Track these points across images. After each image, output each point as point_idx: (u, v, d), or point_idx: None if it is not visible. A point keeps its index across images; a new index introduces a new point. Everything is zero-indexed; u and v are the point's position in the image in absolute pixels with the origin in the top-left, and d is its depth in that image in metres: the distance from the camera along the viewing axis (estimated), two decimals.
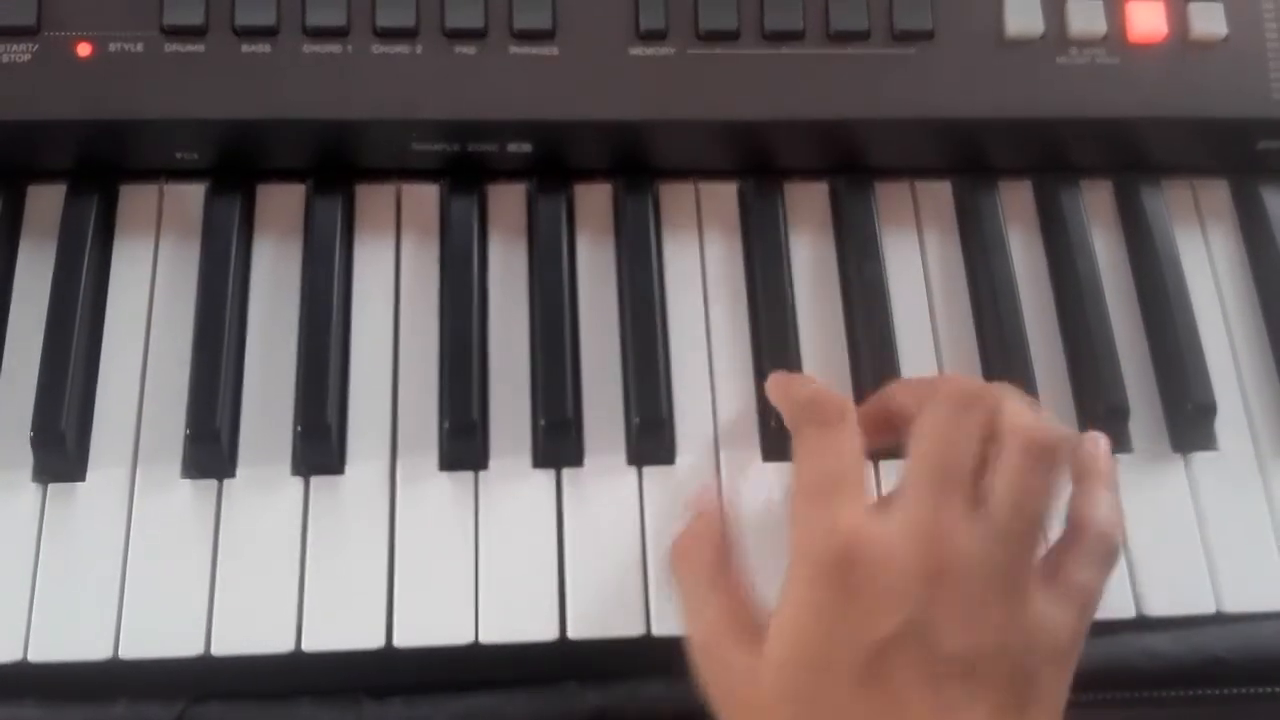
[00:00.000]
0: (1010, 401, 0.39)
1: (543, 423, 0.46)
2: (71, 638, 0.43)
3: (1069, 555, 0.40)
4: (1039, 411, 0.40)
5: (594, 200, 0.52)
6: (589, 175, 0.52)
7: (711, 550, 0.41)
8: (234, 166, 0.50)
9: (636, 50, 0.49)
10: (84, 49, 0.47)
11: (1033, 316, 0.51)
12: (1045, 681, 0.37)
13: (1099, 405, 0.49)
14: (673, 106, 0.49)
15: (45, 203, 0.50)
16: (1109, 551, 0.40)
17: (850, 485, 0.38)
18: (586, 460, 0.47)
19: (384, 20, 0.48)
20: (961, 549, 0.36)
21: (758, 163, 0.53)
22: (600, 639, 0.44)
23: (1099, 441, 0.44)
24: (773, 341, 0.49)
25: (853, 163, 0.53)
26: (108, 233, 0.50)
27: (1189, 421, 0.49)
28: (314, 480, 0.46)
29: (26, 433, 0.45)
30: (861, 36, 0.50)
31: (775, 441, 0.48)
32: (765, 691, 0.36)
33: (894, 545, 0.36)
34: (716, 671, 0.38)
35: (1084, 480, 0.42)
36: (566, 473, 0.47)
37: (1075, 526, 0.41)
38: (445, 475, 0.46)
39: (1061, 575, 0.39)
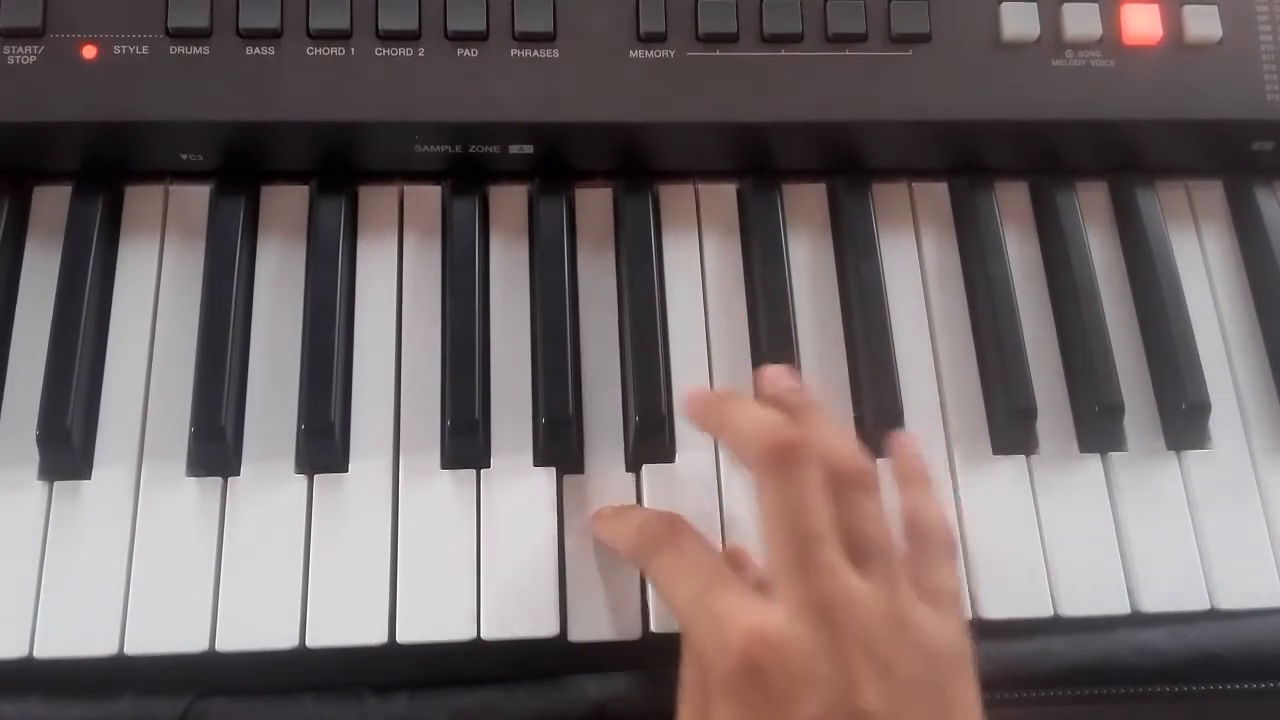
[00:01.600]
0: (816, 430, 0.40)
1: (544, 421, 0.47)
2: (77, 634, 0.43)
3: (921, 563, 0.40)
4: (829, 422, 0.41)
5: (594, 201, 0.53)
6: (589, 176, 0.53)
7: (677, 534, 0.41)
8: (238, 168, 0.51)
9: (636, 52, 0.50)
10: (89, 51, 0.48)
11: (1029, 316, 0.51)
12: (956, 691, 0.37)
13: (1094, 404, 0.49)
14: (672, 108, 0.50)
15: (51, 204, 0.50)
16: (950, 547, 0.41)
17: (719, 584, 0.38)
18: (587, 459, 0.47)
19: (387, 23, 0.48)
20: (847, 607, 0.36)
21: (757, 164, 0.53)
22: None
23: (904, 444, 0.44)
24: (772, 341, 0.49)
25: (851, 164, 0.53)
26: (113, 233, 0.50)
27: (1183, 420, 0.50)
28: (317, 478, 0.46)
29: (33, 431, 0.45)
30: (859, 39, 0.51)
31: None
32: None
33: (789, 633, 0.36)
34: None
35: (906, 485, 0.43)
36: (567, 471, 0.47)
37: (914, 535, 0.41)
38: (447, 473, 0.47)
39: (924, 583, 0.39)
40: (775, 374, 0.44)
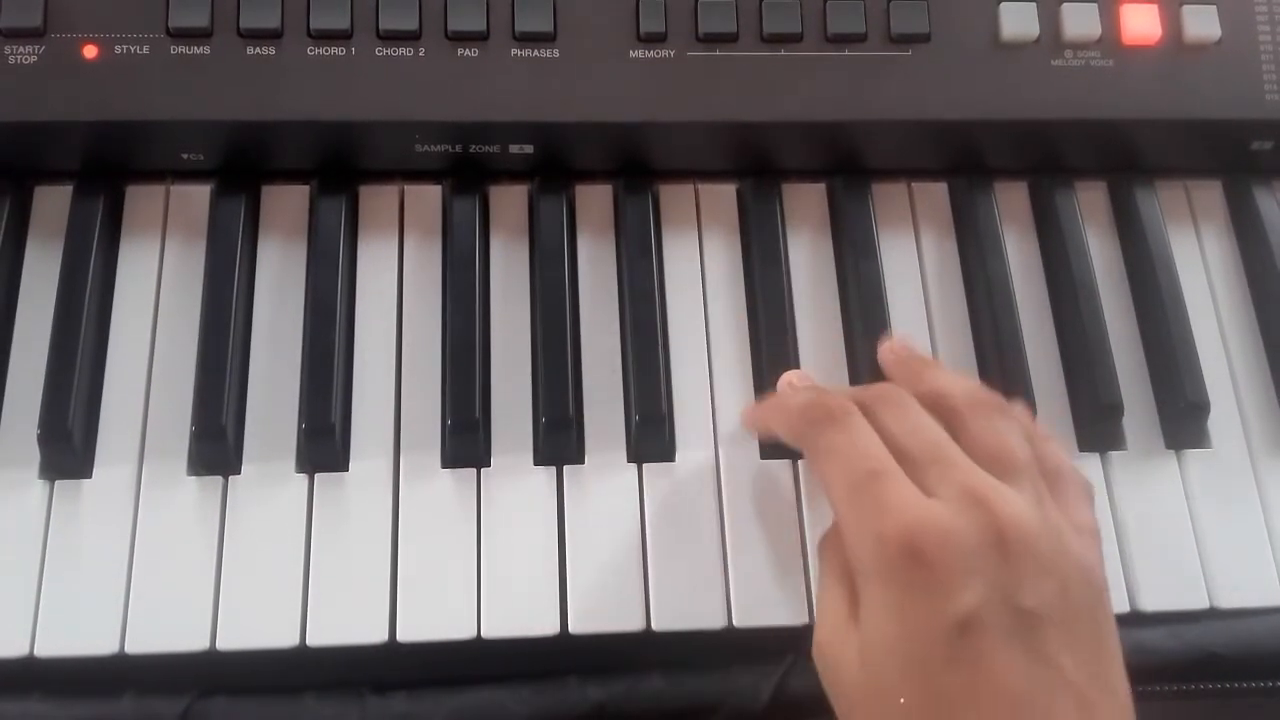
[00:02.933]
0: (938, 374, 0.42)
1: (544, 421, 0.47)
2: (78, 633, 0.43)
3: (1060, 498, 0.40)
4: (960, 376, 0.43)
5: (594, 201, 0.53)
6: (590, 176, 0.53)
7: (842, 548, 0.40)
8: (239, 167, 0.51)
9: (636, 52, 0.50)
10: (90, 51, 0.48)
11: (1028, 316, 0.51)
12: (1103, 616, 0.37)
13: (1094, 403, 0.49)
14: (672, 108, 0.50)
15: (52, 203, 0.50)
16: (1085, 487, 0.42)
17: (885, 473, 0.38)
18: (587, 457, 0.47)
19: (387, 23, 0.48)
20: (1009, 504, 0.36)
21: (756, 163, 0.53)
22: (601, 634, 0.45)
23: (1022, 407, 0.45)
24: (771, 340, 0.49)
25: (850, 164, 0.53)
26: (114, 233, 0.50)
27: (1182, 419, 0.50)
28: (318, 477, 0.46)
29: (34, 430, 0.45)
30: (859, 39, 0.51)
31: (774, 440, 0.48)
32: (869, 692, 0.36)
33: (950, 521, 0.36)
34: (828, 668, 0.38)
35: (1032, 441, 0.42)
36: (567, 470, 0.47)
37: (1052, 476, 0.41)
38: (448, 472, 0.47)
39: (1066, 517, 0.39)
40: (893, 347, 0.46)
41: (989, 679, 0.34)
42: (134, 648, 0.43)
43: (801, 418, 0.41)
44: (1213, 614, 0.47)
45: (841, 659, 0.37)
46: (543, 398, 0.47)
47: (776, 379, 0.48)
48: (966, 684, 0.34)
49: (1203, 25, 0.52)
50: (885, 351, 0.46)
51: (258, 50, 0.48)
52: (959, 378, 0.42)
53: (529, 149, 0.51)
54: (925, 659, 0.35)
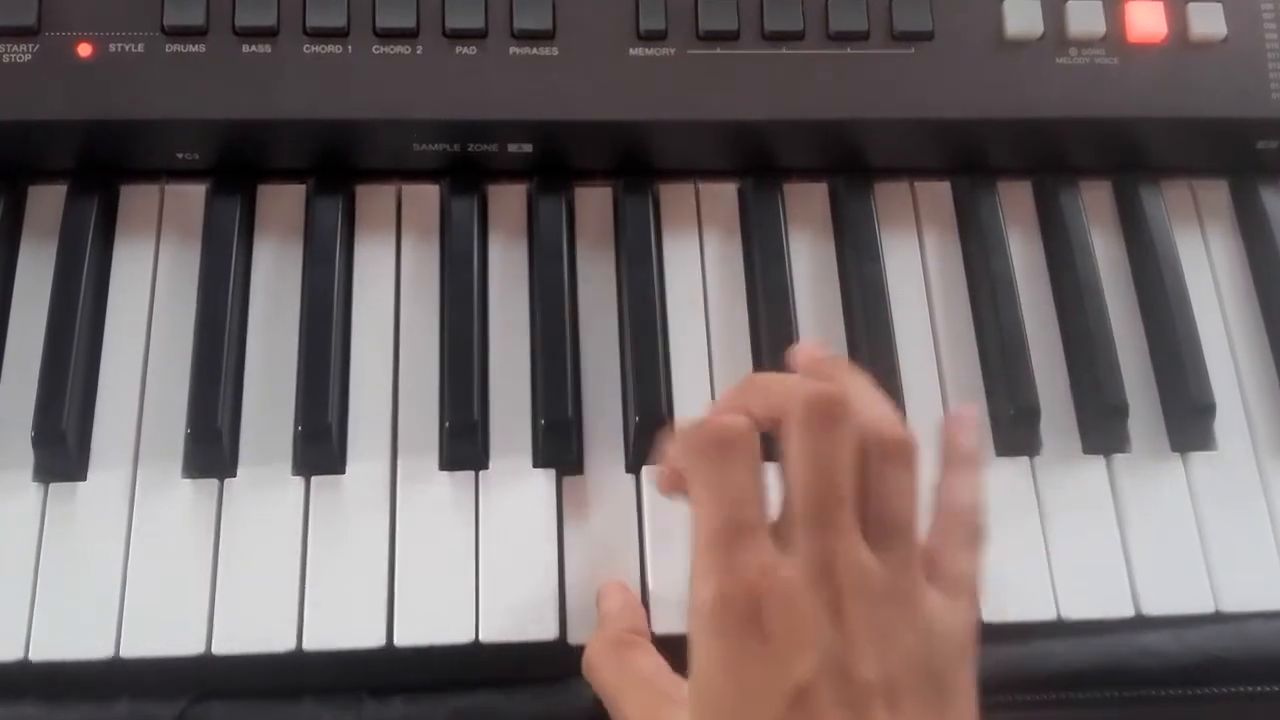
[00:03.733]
0: (857, 395, 0.39)
1: (543, 423, 0.47)
2: (73, 637, 0.43)
3: (946, 547, 0.39)
4: (870, 389, 0.40)
5: (594, 200, 0.52)
6: (589, 175, 0.53)
7: (616, 654, 0.41)
8: (235, 166, 0.50)
9: (636, 50, 0.49)
10: (85, 49, 0.47)
11: (1032, 316, 0.51)
12: (955, 681, 0.37)
13: (1098, 405, 0.49)
14: (673, 107, 0.49)
15: (46, 203, 0.50)
16: (977, 535, 0.40)
17: (746, 530, 0.37)
18: (586, 460, 0.47)
19: (384, 21, 0.48)
20: (856, 572, 0.36)
21: (757, 163, 0.53)
22: None
23: (960, 423, 0.43)
24: (773, 341, 0.49)
25: (852, 163, 0.53)
26: (109, 233, 0.50)
27: (1188, 421, 0.49)
28: (315, 480, 0.46)
29: (28, 432, 0.45)
30: (861, 37, 0.50)
31: (774, 443, 0.48)
32: None
33: (793, 584, 0.35)
34: None
35: (949, 464, 0.42)
36: (566, 472, 0.47)
37: (945, 516, 0.41)
38: (446, 475, 0.46)
39: (942, 569, 0.39)
40: (811, 348, 0.43)
41: None
42: (129, 652, 0.43)
43: (696, 438, 0.39)
44: (1218, 618, 0.47)
45: None
46: (542, 400, 0.47)
47: None
48: None
49: (1208, 23, 0.52)
50: (801, 356, 0.43)
51: (253, 49, 0.48)
52: (882, 406, 0.39)
53: (528, 148, 0.50)
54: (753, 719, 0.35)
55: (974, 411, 0.44)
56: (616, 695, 0.40)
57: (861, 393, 0.40)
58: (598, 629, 0.44)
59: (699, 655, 0.36)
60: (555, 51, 0.49)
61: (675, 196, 0.53)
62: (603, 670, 0.41)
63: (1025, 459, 0.49)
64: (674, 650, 0.40)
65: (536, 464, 0.47)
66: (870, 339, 0.50)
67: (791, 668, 0.34)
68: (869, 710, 0.34)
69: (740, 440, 0.38)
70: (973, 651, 0.38)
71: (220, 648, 0.43)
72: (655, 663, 0.41)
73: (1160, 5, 0.52)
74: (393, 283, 0.50)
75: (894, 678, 0.35)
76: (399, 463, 0.47)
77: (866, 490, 0.38)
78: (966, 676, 0.37)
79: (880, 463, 0.38)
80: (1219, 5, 0.52)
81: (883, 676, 0.35)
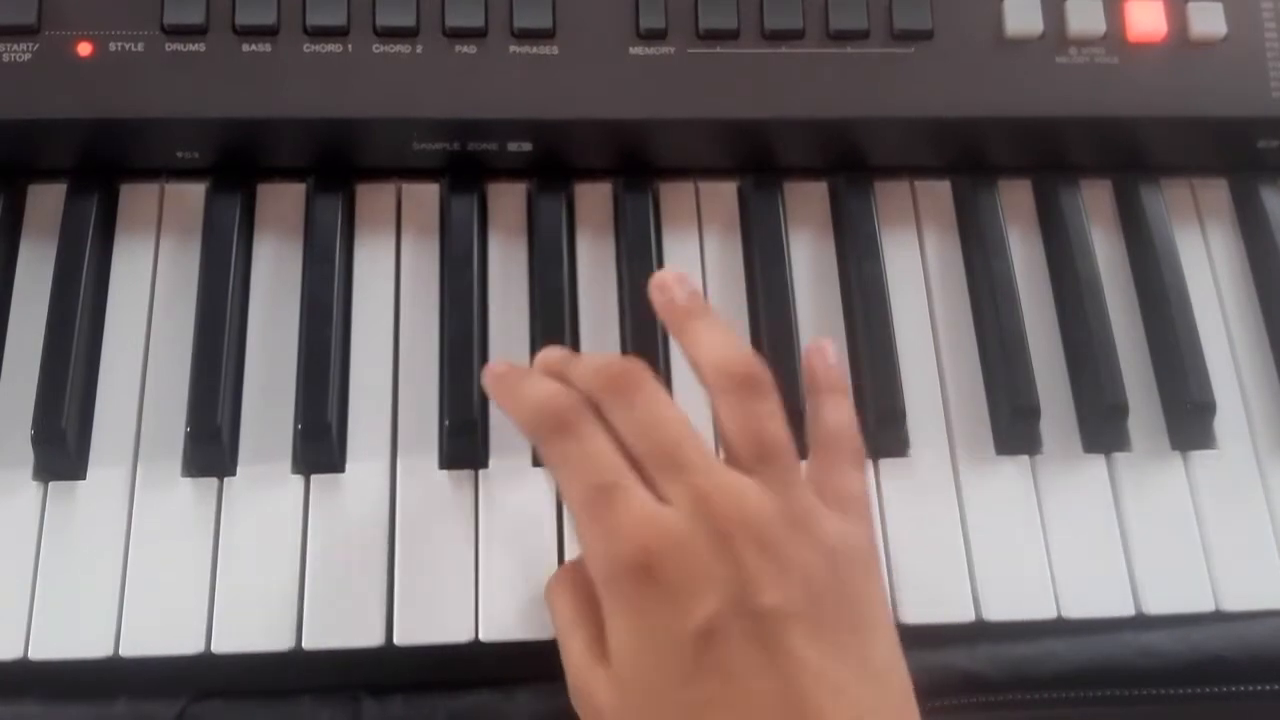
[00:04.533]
0: (703, 335, 0.40)
1: None
2: (72, 636, 0.43)
3: (825, 469, 0.40)
4: (717, 325, 0.41)
5: (594, 199, 0.52)
6: (589, 174, 0.52)
7: (575, 585, 0.40)
8: (235, 165, 0.50)
9: (636, 49, 0.49)
10: (85, 48, 0.47)
11: (1032, 315, 0.51)
12: (864, 594, 0.37)
13: (1098, 403, 0.49)
14: (673, 105, 0.49)
15: (46, 202, 0.50)
16: (855, 452, 0.41)
17: (616, 487, 0.37)
18: None
19: (384, 19, 0.48)
20: (735, 500, 0.36)
21: (757, 161, 0.53)
22: None
23: (820, 351, 0.43)
24: (772, 341, 0.49)
25: (852, 162, 0.53)
26: (108, 231, 0.50)
27: (1188, 420, 0.49)
28: (314, 479, 0.46)
29: (27, 431, 0.45)
30: (861, 36, 0.50)
31: None
32: (616, 714, 0.36)
33: (680, 531, 0.35)
34: (582, 702, 0.38)
35: (816, 393, 0.42)
36: None
37: (822, 440, 0.41)
38: (445, 474, 0.46)
39: (830, 489, 0.39)
40: (661, 282, 0.43)
41: (735, 685, 0.34)
42: (129, 650, 0.43)
43: (532, 423, 0.40)
44: (1218, 617, 0.47)
45: (595, 694, 0.36)
46: None
47: (778, 379, 0.48)
48: (714, 694, 0.34)
49: (1208, 22, 0.51)
50: (654, 288, 0.43)
51: (253, 47, 0.48)
52: (719, 341, 0.40)
53: (527, 147, 0.50)
54: (671, 675, 0.35)
55: (830, 341, 0.44)
56: (565, 628, 0.39)
57: (707, 331, 0.40)
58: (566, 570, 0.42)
59: (608, 620, 0.36)
60: (555, 50, 0.49)
61: (675, 195, 0.53)
62: (558, 598, 0.40)
63: (1025, 458, 0.49)
64: None
65: (536, 463, 0.47)
66: (870, 338, 0.49)
67: (693, 610, 0.34)
68: (782, 636, 0.34)
69: (572, 415, 0.38)
70: (877, 567, 0.38)
71: (220, 647, 0.43)
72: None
73: (1160, 4, 0.52)
74: (392, 281, 0.50)
75: (800, 600, 0.35)
76: (398, 462, 0.46)
77: (729, 429, 0.38)
78: (875, 591, 0.38)
79: (736, 394, 0.38)
80: (1219, 4, 0.52)
81: (788, 600, 0.35)
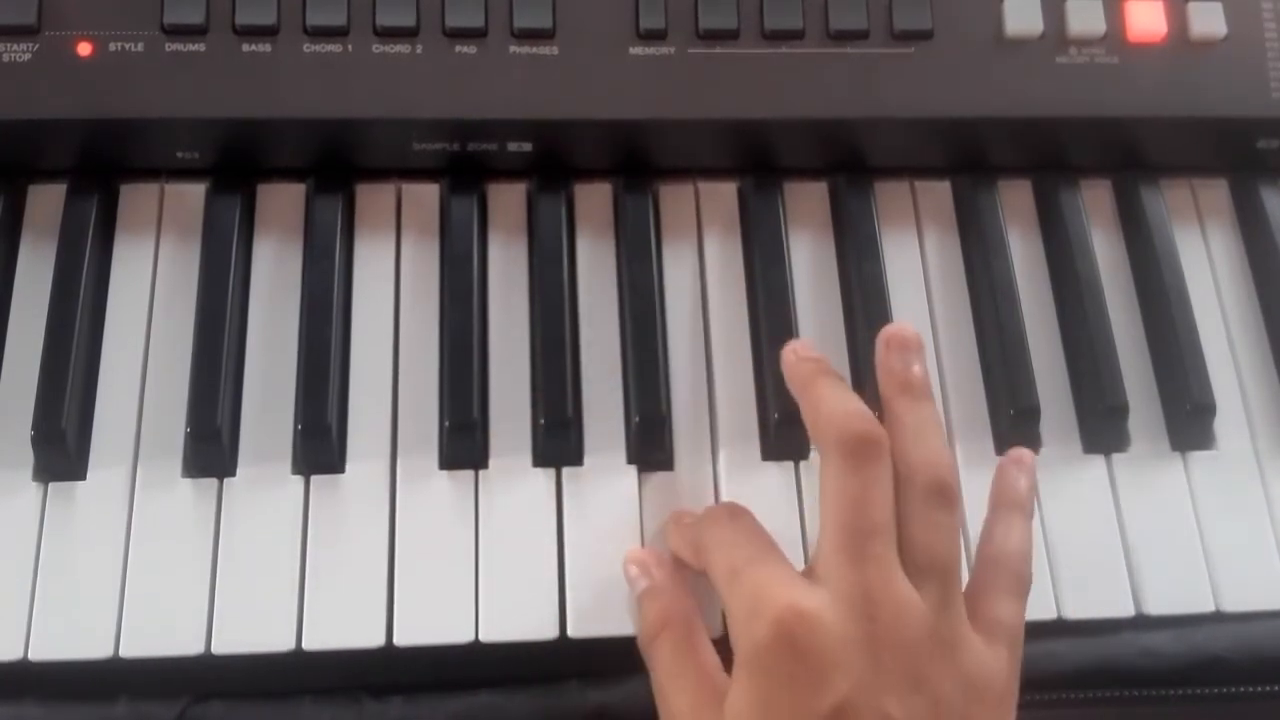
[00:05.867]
0: (919, 428, 0.39)
1: (543, 422, 0.46)
2: (72, 637, 0.43)
3: (989, 591, 0.39)
4: (933, 420, 0.40)
5: (594, 199, 0.52)
6: (589, 174, 0.52)
7: (683, 629, 0.40)
8: (235, 165, 0.50)
9: (636, 49, 0.49)
10: (84, 48, 0.47)
11: (1032, 316, 0.51)
12: None
13: (1098, 404, 0.49)
14: (673, 106, 0.49)
15: (46, 202, 0.50)
16: (1024, 582, 0.40)
17: (765, 559, 0.38)
18: (586, 459, 0.47)
19: (384, 20, 0.48)
20: (892, 609, 0.36)
21: (757, 162, 0.53)
22: (600, 637, 0.44)
23: (1019, 464, 0.43)
24: (773, 341, 0.49)
25: (852, 162, 0.53)
26: (108, 232, 0.50)
27: (1188, 421, 0.49)
28: (314, 479, 0.46)
29: (27, 432, 0.45)
30: (861, 36, 0.50)
31: (774, 442, 0.48)
32: None
33: (827, 616, 0.36)
34: None
35: (998, 508, 0.42)
36: (566, 472, 0.47)
37: (990, 560, 0.41)
38: (445, 474, 0.46)
39: (984, 613, 0.39)
40: (903, 341, 0.42)
41: None
42: (129, 652, 0.43)
43: (701, 522, 0.41)
44: (1218, 617, 0.47)
45: None
46: (542, 399, 0.47)
47: (778, 381, 0.48)
48: None
49: (1208, 22, 0.52)
50: (892, 352, 0.43)
51: (253, 47, 0.48)
52: (936, 442, 0.40)
53: (527, 147, 0.50)
54: None
55: (1032, 457, 0.44)
56: (669, 679, 0.39)
57: (925, 425, 0.40)
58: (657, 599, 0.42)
59: (736, 680, 0.36)
60: (555, 51, 0.49)
61: (675, 196, 0.53)
62: (662, 649, 0.40)
63: None
64: None
65: (536, 463, 0.47)
66: (870, 338, 0.49)
67: (821, 699, 0.35)
68: None
69: (741, 511, 0.40)
70: (1012, 702, 0.38)
71: (220, 648, 0.43)
72: (714, 659, 0.40)
73: (1160, 4, 0.52)
74: (393, 282, 0.50)
75: (923, 717, 0.35)
76: (399, 462, 0.46)
77: (907, 530, 0.38)
78: None
79: (924, 501, 0.38)
80: (1219, 4, 0.52)
81: (909, 715, 0.35)
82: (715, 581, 0.39)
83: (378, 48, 0.48)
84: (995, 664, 0.38)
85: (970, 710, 0.36)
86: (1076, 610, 0.46)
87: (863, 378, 0.49)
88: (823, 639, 0.35)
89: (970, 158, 0.53)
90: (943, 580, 0.37)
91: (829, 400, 0.40)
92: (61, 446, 0.45)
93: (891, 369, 0.42)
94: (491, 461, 0.47)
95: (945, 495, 0.38)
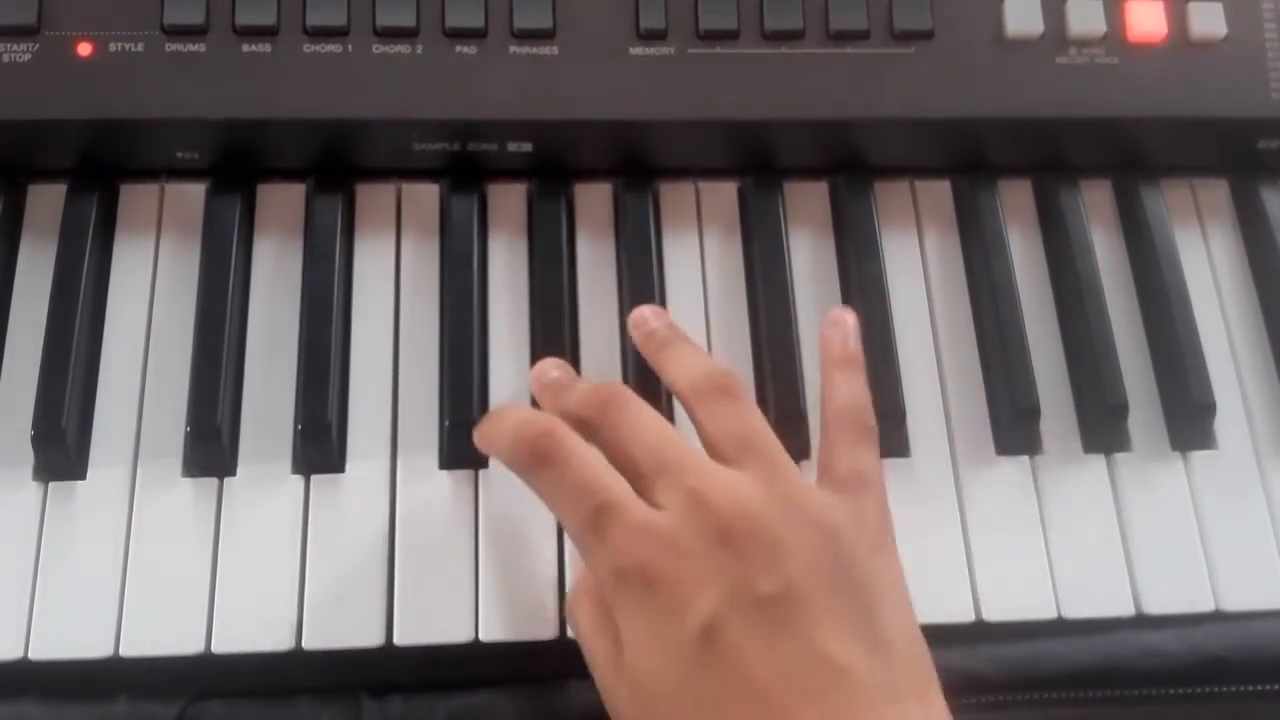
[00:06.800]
0: (669, 353, 0.42)
1: None
2: (72, 636, 0.43)
3: (836, 447, 0.40)
4: (687, 345, 0.43)
5: (594, 200, 0.52)
6: (589, 175, 0.52)
7: (594, 595, 0.40)
8: (235, 166, 0.50)
9: (636, 50, 0.49)
10: (85, 48, 0.47)
11: (1032, 315, 0.51)
12: (869, 568, 0.37)
13: (1099, 404, 0.49)
14: (673, 106, 0.49)
15: (46, 202, 0.50)
16: (868, 430, 0.41)
17: (609, 505, 0.37)
18: None
19: (384, 20, 0.48)
20: (726, 492, 0.36)
21: (758, 162, 0.53)
22: None
23: (836, 324, 0.44)
24: (773, 341, 0.49)
25: (852, 162, 0.53)
26: (108, 232, 0.50)
27: (1188, 420, 0.49)
28: (314, 479, 0.46)
29: (27, 431, 0.45)
30: (861, 36, 0.50)
31: None
32: (637, 717, 0.36)
33: (676, 534, 0.36)
34: (610, 707, 0.38)
35: (826, 368, 0.43)
36: None
37: (831, 419, 0.41)
38: (445, 474, 0.46)
39: (837, 469, 0.39)
40: (643, 314, 0.45)
41: (741, 675, 0.34)
42: (129, 650, 0.43)
43: (511, 460, 0.40)
44: (1219, 617, 0.47)
45: (618, 700, 0.37)
46: None
47: (778, 380, 0.48)
48: (723, 687, 0.35)
49: (1209, 22, 0.51)
50: (633, 325, 0.46)
51: (253, 48, 0.48)
52: (690, 360, 0.42)
53: (528, 147, 0.50)
54: (680, 675, 0.35)
55: (852, 315, 0.45)
56: (588, 637, 0.39)
57: (677, 355, 0.42)
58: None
59: (621, 630, 0.37)
60: (555, 51, 0.49)
61: (675, 196, 0.53)
62: (579, 609, 0.40)
63: (1025, 458, 0.49)
64: None
65: None
66: (870, 338, 0.49)
67: (693, 610, 0.35)
68: (784, 620, 0.35)
69: (545, 440, 0.39)
70: (888, 542, 0.39)
71: (220, 647, 0.43)
72: None
73: (1160, 5, 0.52)
74: (393, 282, 0.50)
75: (800, 583, 0.35)
76: (399, 462, 0.46)
77: (703, 433, 0.39)
78: (887, 566, 0.38)
79: (707, 402, 0.39)
80: (1219, 5, 0.52)
81: (786, 584, 0.35)
82: (567, 532, 0.40)
83: (378, 48, 0.48)
84: (857, 508, 0.38)
85: (841, 553, 0.36)
86: (1076, 610, 0.46)
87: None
88: (682, 559, 0.36)
89: (970, 158, 0.53)
90: (758, 453, 0.38)
91: (503, 425, 0.42)
92: (61, 446, 0.45)
93: (640, 338, 0.45)
94: (491, 461, 0.47)
95: (723, 389, 0.40)
